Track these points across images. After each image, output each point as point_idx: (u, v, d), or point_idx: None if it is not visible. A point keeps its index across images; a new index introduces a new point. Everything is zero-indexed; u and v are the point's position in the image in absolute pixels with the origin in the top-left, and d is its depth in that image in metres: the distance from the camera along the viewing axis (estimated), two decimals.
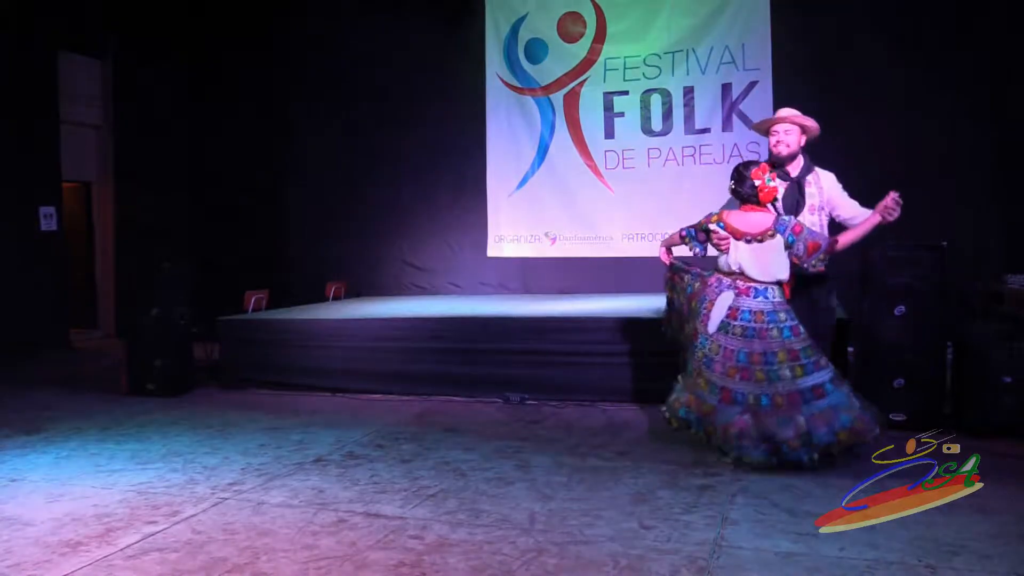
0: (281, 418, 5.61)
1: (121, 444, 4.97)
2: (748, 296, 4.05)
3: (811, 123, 4.52)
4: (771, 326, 4.00)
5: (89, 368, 7.88)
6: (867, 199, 6.98)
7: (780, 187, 4.32)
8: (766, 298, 4.04)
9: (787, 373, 3.96)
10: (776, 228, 4.10)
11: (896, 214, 4.00)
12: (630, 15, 8.14)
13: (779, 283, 4.11)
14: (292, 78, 9.41)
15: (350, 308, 7.54)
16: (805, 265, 4.15)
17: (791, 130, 4.47)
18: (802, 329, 4.04)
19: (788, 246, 4.08)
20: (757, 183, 4.10)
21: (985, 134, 6.81)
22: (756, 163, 4.24)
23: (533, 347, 6.02)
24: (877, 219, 4.12)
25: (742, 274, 4.17)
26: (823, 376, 4.00)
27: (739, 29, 7.71)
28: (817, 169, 4.52)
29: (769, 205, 4.21)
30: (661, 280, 7.96)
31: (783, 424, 3.92)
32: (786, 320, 4.03)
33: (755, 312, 4.02)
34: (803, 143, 4.51)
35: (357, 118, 8.98)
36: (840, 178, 4.59)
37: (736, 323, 4.07)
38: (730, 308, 4.10)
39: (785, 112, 4.60)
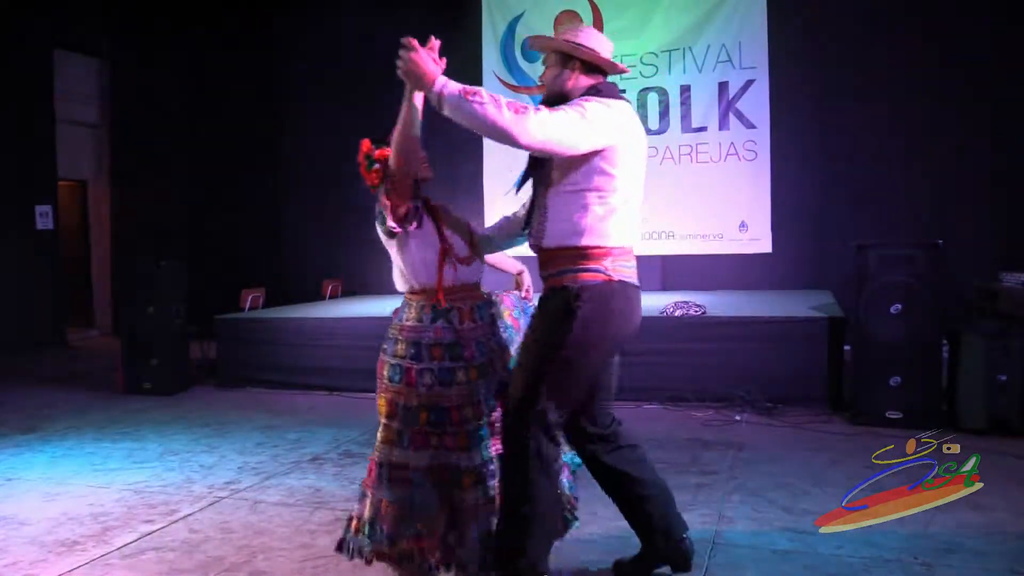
0: (278, 417, 5.60)
1: (117, 443, 4.97)
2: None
3: (554, 42, 2.70)
4: (384, 359, 2.74)
5: (85, 367, 7.87)
6: (867, 197, 7.07)
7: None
8: (399, 320, 2.79)
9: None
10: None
11: (401, 64, 2.41)
12: (626, 13, 8.14)
13: (413, 293, 2.74)
14: (289, 77, 9.40)
15: (346, 307, 7.53)
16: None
17: (548, 59, 2.77)
18: (421, 374, 2.61)
19: (385, 228, 2.70)
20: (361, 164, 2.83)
21: (981, 131, 6.82)
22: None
23: None
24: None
25: None
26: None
27: (736, 27, 7.71)
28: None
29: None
30: (657, 279, 8.08)
31: None
32: (405, 355, 2.67)
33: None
34: (573, 76, 2.66)
35: (354, 116, 8.95)
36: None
37: None
38: None
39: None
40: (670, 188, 7.88)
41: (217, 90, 9.69)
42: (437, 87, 2.36)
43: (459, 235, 2.78)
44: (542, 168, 2.63)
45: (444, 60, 2.45)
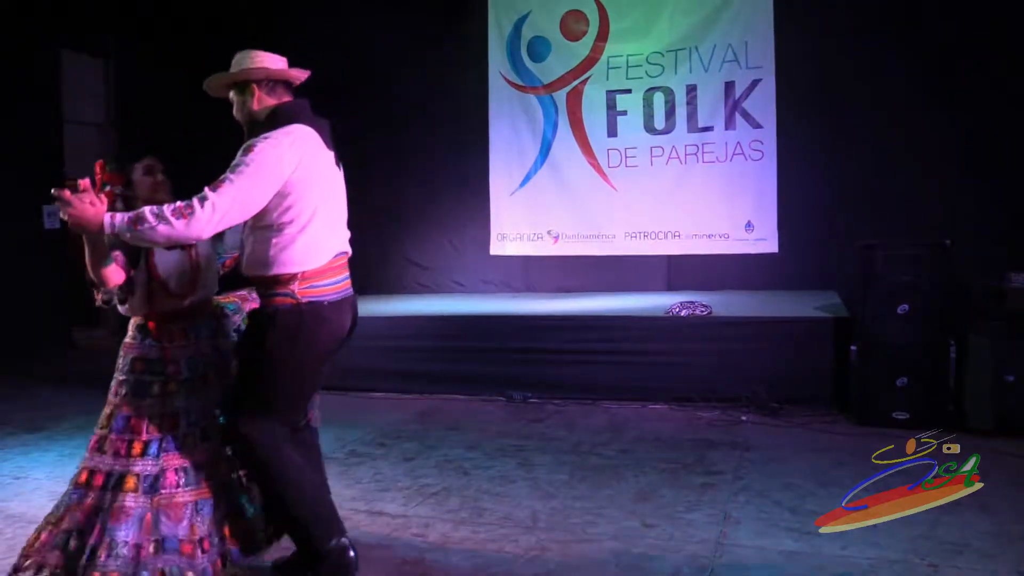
0: None
1: None
2: None
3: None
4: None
5: (91, 366, 7.88)
6: (874, 196, 7.05)
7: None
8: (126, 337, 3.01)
9: None
10: None
11: (64, 218, 2.61)
12: (633, 13, 8.12)
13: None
14: None
15: None
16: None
17: (231, 97, 3.07)
18: (121, 384, 2.86)
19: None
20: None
21: (989, 130, 6.79)
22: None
23: (535, 345, 6.02)
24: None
25: None
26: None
27: (742, 27, 7.69)
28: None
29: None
30: (662, 278, 8.08)
31: None
32: (119, 369, 2.92)
33: None
34: (254, 99, 2.96)
35: (358, 116, 8.95)
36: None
37: None
38: None
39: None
40: (675, 188, 7.87)
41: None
42: (107, 229, 2.49)
43: (178, 273, 2.89)
44: None
45: (108, 191, 2.77)
